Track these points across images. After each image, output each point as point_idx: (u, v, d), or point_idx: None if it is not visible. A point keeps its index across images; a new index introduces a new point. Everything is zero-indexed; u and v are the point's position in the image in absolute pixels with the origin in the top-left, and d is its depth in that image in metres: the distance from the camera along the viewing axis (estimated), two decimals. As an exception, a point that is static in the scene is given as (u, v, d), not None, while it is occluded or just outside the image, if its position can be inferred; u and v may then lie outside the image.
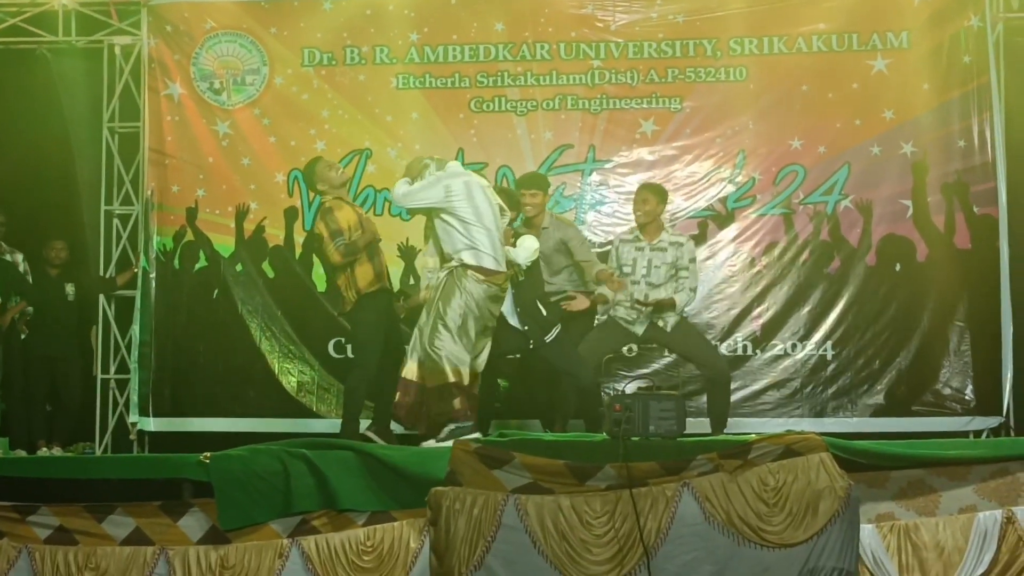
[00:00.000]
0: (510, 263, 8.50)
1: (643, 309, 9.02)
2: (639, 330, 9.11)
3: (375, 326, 8.82)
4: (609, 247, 9.55)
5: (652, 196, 9.20)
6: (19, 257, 10.18)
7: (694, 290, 9.23)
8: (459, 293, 8.18)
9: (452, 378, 8.15)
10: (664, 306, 9.00)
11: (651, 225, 9.16)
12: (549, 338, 8.68)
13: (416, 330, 8.32)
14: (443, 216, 8.31)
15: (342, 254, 8.73)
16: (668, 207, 9.74)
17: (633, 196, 9.39)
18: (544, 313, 8.72)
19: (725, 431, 8.97)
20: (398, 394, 8.29)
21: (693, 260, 9.18)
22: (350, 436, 8.59)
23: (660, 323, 9.07)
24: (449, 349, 8.14)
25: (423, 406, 8.26)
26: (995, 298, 10.21)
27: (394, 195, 8.67)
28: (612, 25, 10.73)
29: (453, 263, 8.25)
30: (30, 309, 10.22)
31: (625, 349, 10.07)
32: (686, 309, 9.30)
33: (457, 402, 8.15)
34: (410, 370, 8.26)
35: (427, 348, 8.17)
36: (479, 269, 8.21)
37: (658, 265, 9.08)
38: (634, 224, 9.36)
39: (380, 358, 8.81)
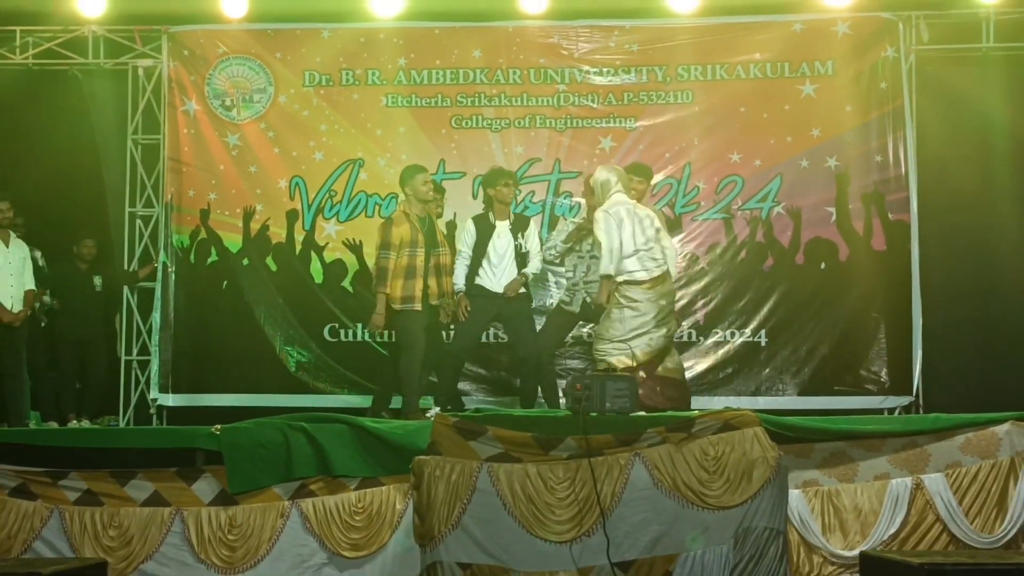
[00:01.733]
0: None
1: (577, 289, 9.02)
2: (576, 308, 9.10)
3: (415, 332, 8.85)
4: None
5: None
6: (38, 254, 10.06)
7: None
8: (620, 308, 8.44)
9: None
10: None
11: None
12: None
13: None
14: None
15: (378, 268, 8.87)
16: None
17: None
18: None
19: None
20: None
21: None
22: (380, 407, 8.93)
23: (587, 299, 9.01)
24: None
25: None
26: (907, 294, 10.24)
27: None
28: (575, 53, 10.70)
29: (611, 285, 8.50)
30: (46, 299, 10.07)
31: (585, 333, 10.00)
32: None
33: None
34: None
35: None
36: (632, 282, 8.43)
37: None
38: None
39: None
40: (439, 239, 9.09)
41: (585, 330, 9.98)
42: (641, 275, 8.48)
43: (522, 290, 9.21)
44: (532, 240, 9.27)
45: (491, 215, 9.22)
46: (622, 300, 8.47)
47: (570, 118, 10.70)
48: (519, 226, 9.26)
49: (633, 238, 8.49)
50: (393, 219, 8.95)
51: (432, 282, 8.95)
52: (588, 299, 9.00)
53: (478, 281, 9.12)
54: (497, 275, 9.11)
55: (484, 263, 9.13)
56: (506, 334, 9.72)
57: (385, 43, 10.81)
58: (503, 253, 9.12)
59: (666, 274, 8.62)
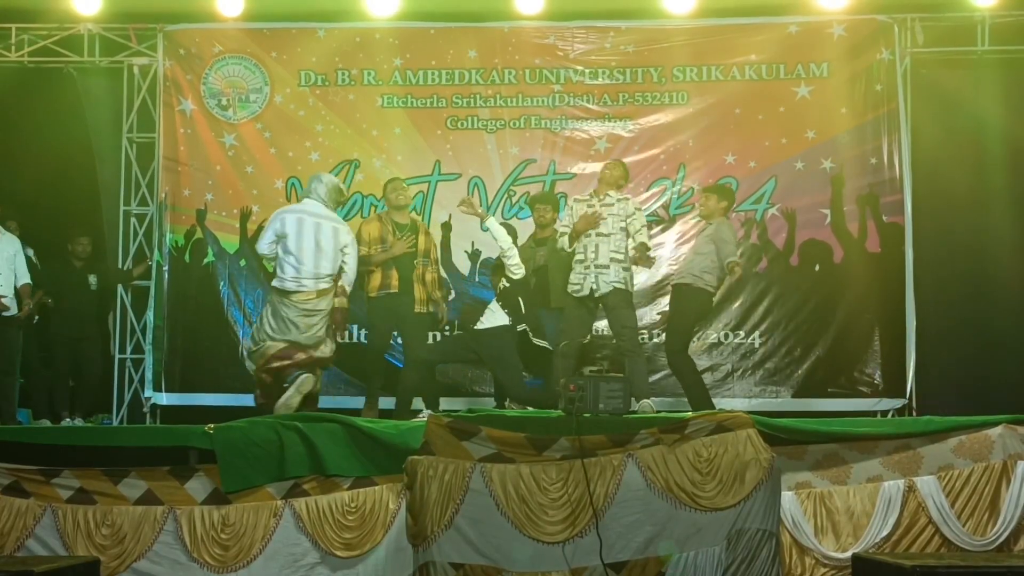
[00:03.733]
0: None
1: (588, 272, 8.91)
2: (586, 292, 8.89)
3: (378, 324, 9.20)
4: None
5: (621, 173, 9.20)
6: (30, 252, 10.04)
7: (644, 228, 9.01)
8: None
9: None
10: (644, 250, 8.82)
11: (609, 188, 9.03)
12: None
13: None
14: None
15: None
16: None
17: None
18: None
19: (667, 411, 8.95)
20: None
21: (638, 208, 9.05)
22: (371, 409, 8.97)
23: (594, 286, 8.83)
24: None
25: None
26: (901, 296, 10.24)
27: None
28: (571, 54, 10.70)
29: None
30: (48, 300, 10.08)
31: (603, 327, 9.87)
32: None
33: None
34: None
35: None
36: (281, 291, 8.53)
37: (605, 217, 8.89)
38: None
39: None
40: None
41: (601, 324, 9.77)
42: (290, 285, 8.48)
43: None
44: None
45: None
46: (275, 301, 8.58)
47: (565, 119, 10.70)
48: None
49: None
50: (364, 220, 9.52)
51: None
52: (595, 285, 8.85)
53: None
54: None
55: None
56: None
57: (380, 43, 10.80)
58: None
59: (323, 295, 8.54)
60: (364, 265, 9.03)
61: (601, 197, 9.02)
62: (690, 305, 8.94)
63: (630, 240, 8.88)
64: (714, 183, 9.70)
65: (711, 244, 8.91)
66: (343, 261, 8.64)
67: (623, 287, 8.89)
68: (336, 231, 8.63)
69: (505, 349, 8.97)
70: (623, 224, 8.90)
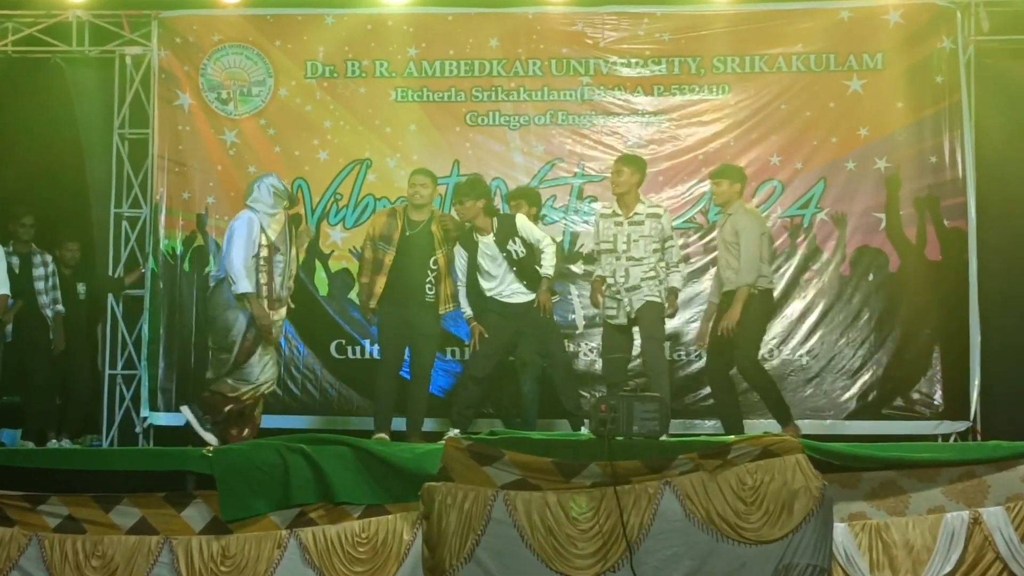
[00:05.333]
0: None
1: (619, 297, 8.92)
2: (623, 320, 8.92)
3: (384, 332, 9.19)
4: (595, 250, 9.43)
5: (626, 167, 9.03)
6: (48, 258, 10.07)
7: (681, 262, 9.19)
8: None
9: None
10: (673, 296, 8.99)
11: (627, 196, 8.95)
12: None
13: None
14: None
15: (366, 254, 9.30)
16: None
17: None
18: None
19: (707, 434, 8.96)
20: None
21: (672, 235, 9.04)
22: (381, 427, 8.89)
23: (627, 308, 8.85)
24: None
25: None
26: (964, 308, 10.18)
27: None
28: (601, 42, 10.68)
29: None
30: (59, 308, 10.10)
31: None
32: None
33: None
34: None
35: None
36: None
37: (636, 239, 8.87)
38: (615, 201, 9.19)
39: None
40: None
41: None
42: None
43: (556, 298, 9.21)
44: (529, 234, 9.03)
45: (474, 233, 9.11)
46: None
47: (595, 114, 10.68)
48: (504, 234, 9.06)
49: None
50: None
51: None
52: (628, 308, 8.86)
53: (490, 294, 9.08)
54: (503, 287, 9.08)
55: (483, 281, 9.09)
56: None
57: (394, 31, 10.80)
58: (497, 267, 9.05)
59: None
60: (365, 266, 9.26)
61: (629, 215, 8.95)
62: (746, 312, 8.88)
63: (663, 264, 8.95)
64: (719, 167, 9.50)
65: (735, 236, 8.89)
66: None
67: (657, 299, 8.90)
68: None
69: (546, 319, 9.03)
70: (656, 246, 8.89)
